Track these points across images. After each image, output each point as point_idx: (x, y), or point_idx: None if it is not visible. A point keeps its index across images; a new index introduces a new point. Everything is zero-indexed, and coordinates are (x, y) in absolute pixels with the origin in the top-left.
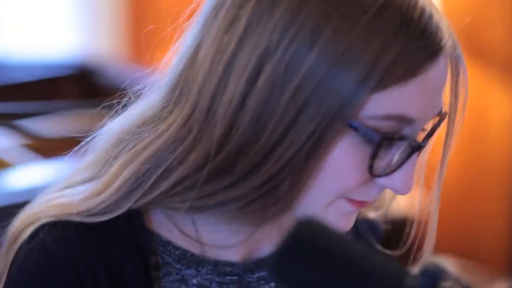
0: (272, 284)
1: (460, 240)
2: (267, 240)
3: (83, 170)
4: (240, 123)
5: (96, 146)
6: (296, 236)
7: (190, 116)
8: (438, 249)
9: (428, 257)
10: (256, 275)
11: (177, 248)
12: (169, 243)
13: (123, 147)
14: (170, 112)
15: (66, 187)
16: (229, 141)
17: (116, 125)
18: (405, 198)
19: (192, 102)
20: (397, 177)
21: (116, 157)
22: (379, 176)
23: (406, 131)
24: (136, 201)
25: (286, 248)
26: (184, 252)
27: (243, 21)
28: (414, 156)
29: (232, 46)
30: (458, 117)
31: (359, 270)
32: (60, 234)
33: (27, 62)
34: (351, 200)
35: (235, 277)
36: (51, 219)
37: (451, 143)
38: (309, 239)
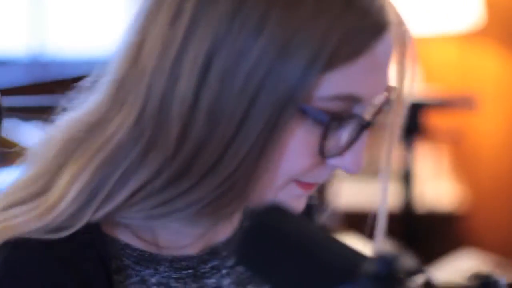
0: (224, 271)
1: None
2: (222, 230)
3: (27, 184)
4: (195, 121)
5: (36, 157)
6: (258, 222)
7: (140, 116)
8: (485, 244)
9: (380, 244)
10: (209, 265)
11: (135, 249)
12: (127, 246)
13: (70, 156)
14: (118, 112)
15: (10, 205)
16: (186, 141)
17: (58, 132)
18: (447, 194)
19: (141, 101)
20: (347, 157)
21: (64, 167)
22: (330, 157)
23: (356, 110)
24: (94, 213)
25: (249, 234)
26: (142, 252)
27: (187, 14)
28: (364, 134)
29: (178, 41)
30: (405, 93)
31: (317, 256)
32: (23, 254)
33: (76, 59)
34: (300, 183)
35: (190, 271)
36: (10, 239)
37: (398, 121)
38: (270, 225)
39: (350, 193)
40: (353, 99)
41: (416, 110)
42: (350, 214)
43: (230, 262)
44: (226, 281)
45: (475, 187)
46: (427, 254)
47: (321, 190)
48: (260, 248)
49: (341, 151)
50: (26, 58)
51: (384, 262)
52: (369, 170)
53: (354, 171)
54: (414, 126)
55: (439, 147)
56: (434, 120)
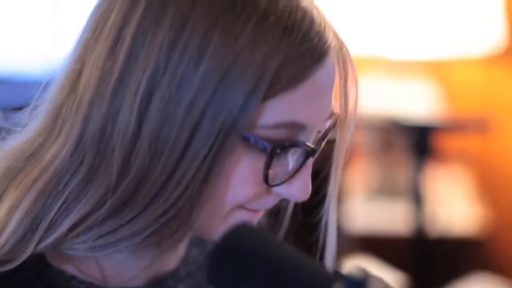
0: None
1: None
2: (167, 260)
3: None
4: (137, 150)
5: None
6: (226, 243)
7: (77, 145)
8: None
9: (333, 264)
10: None
11: (81, 281)
12: (73, 277)
13: (8, 186)
14: (54, 141)
15: None
16: (128, 170)
17: None
18: (464, 217)
19: (78, 130)
20: (294, 185)
21: (2, 198)
22: (276, 185)
23: (300, 137)
24: (38, 244)
25: (217, 255)
26: (89, 285)
27: (126, 43)
28: (310, 161)
29: (117, 70)
30: (349, 117)
31: (286, 276)
32: None
33: None
34: (247, 209)
35: None
36: None
37: (344, 146)
38: (238, 245)
39: (367, 214)
40: (297, 127)
41: (427, 132)
42: (367, 236)
43: None
44: None
45: (498, 210)
46: (442, 280)
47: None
48: (229, 268)
49: (286, 179)
50: (42, 77)
51: (353, 283)
52: (387, 191)
53: (301, 199)
54: (425, 148)
55: (455, 169)
56: (450, 142)
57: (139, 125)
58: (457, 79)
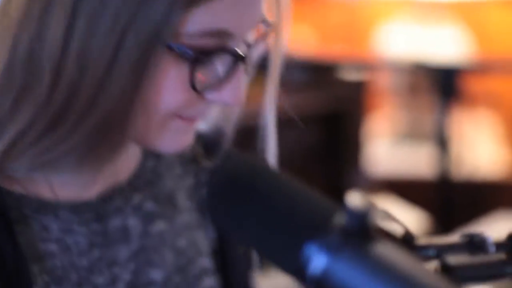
0: (128, 210)
1: None
2: (120, 169)
3: None
4: (65, 66)
5: None
6: (223, 174)
7: (8, 65)
8: None
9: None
10: (112, 206)
11: (32, 199)
12: (23, 196)
13: None
14: None
15: None
16: (58, 87)
17: None
18: (490, 160)
19: (7, 51)
20: (225, 91)
21: None
22: (204, 91)
23: (228, 45)
24: None
25: (213, 187)
26: (40, 201)
27: None
28: (239, 67)
29: None
30: (283, 24)
31: (286, 207)
32: None
33: None
34: (183, 118)
35: (92, 213)
36: None
37: (278, 53)
38: (240, 178)
39: (392, 157)
40: (223, 34)
41: (453, 74)
42: (393, 179)
43: (134, 201)
44: (131, 221)
45: None
46: (466, 221)
47: (357, 153)
48: (229, 202)
49: (216, 85)
50: None
51: (355, 214)
52: (413, 135)
53: (233, 104)
54: (451, 90)
55: (482, 112)
56: (477, 84)
57: (66, 41)
58: (486, 20)
